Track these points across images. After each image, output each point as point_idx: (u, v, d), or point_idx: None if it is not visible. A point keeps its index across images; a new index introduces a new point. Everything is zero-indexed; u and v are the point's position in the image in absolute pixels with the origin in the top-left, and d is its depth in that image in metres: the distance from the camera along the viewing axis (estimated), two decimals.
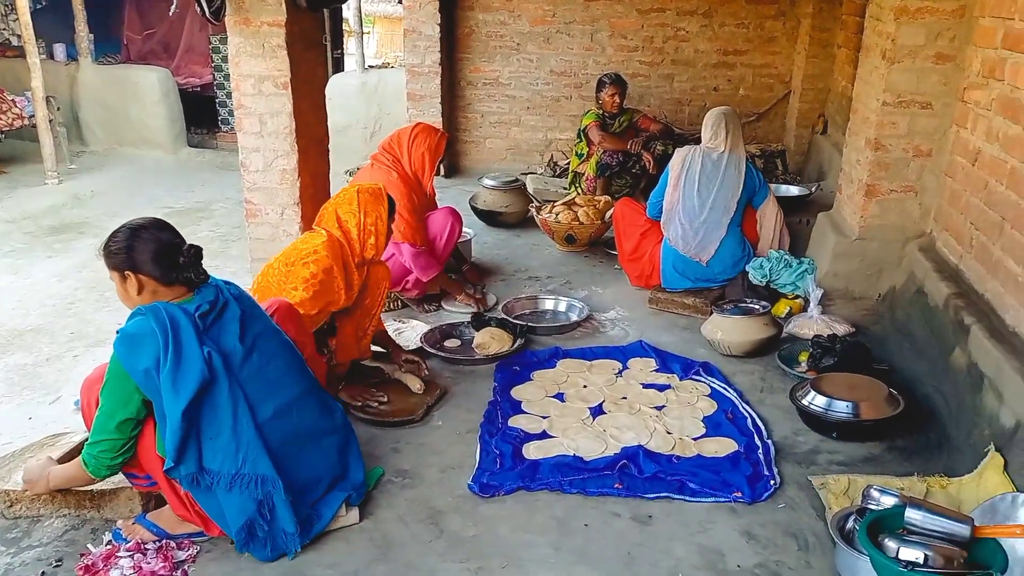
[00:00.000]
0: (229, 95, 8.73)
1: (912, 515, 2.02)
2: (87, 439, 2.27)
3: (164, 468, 2.20)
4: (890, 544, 1.99)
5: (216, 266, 5.04)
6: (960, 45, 3.65)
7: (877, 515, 2.13)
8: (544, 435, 2.98)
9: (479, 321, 3.78)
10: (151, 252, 2.19)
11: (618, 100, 5.75)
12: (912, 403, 3.00)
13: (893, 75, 3.78)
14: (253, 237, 4.21)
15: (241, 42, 3.88)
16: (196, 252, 2.26)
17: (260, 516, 2.26)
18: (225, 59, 8.60)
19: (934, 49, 3.70)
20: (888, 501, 2.22)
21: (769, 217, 4.35)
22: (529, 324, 3.87)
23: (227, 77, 8.73)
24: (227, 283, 2.40)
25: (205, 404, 2.20)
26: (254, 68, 3.90)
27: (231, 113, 8.88)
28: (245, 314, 2.34)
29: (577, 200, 5.17)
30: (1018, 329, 2.82)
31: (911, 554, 1.93)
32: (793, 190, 5.47)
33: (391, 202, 3.24)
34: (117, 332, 2.19)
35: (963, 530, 1.98)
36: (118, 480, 2.42)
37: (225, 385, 2.22)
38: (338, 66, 9.74)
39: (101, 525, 2.47)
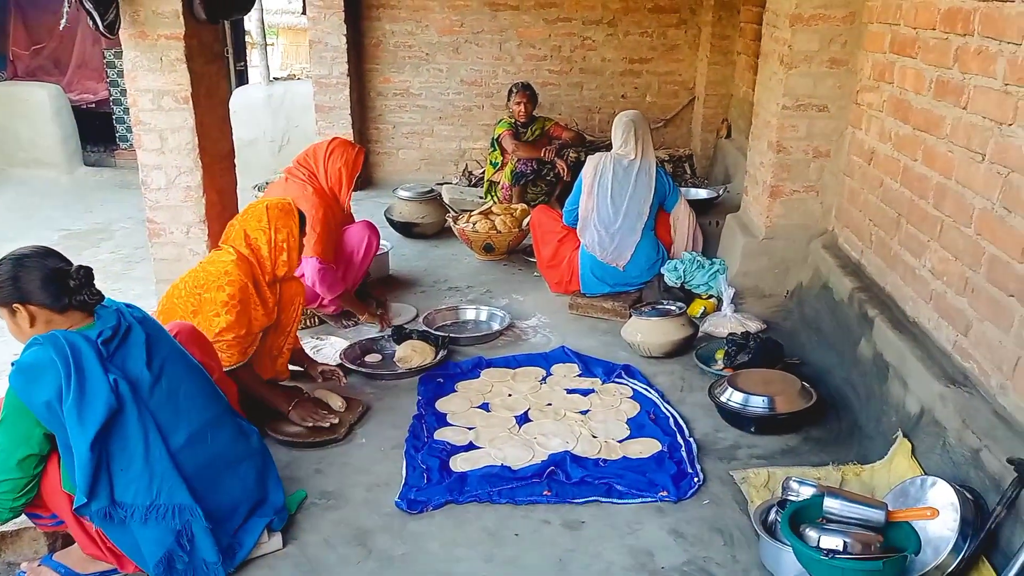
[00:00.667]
0: (127, 111, 8.38)
1: (830, 504, 2.09)
2: None
3: (75, 506, 2.08)
4: (811, 534, 2.05)
5: (119, 289, 4.82)
6: (852, 50, 3.82)
7: (797, 506, 2.19)
8: (471, 446, 2.96)
9: (400, 334, 3.72)
10: (38, 280, 2.07)
11: (527, 108, 5.79)
12: (824, 395, 3.12)
13: (791, 80, 3.93)
14: (157, 258, 4.04)
15: (138, 56, 3.72)
16: (86, 273, 2.15)
17: (179, 547, 2.16)
18: (121, 74, 8.23)
19: (828, 54, 3.87)
20: (807, 492, 2.28)
21: (682, 220, 4.46)
22: (451, 335, 3.84)
23: (124, 93, 8.37)
24: (129, 306, 2.30)
25: (114, 434, 2.09)
26: (152, 83, 3.75)
27: (129, 130, 8.52)
28: (150, 338, 2.24)
29: (494, 209, 5.17)
30: (918, 319, 2.97)
31: (831, 542, 1.99)
32: (702, 193, 5.62)
33: (302, 217, 3.17)
34: (12, 364, 2.05)
35: (878, 516, 2.06)
36: (20, 520, 2.27)
37: (134, 413, 2.12)
38: (242, 79, 9.49)
39: (3, 569, 2.32)
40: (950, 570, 2.05)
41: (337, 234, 4.06)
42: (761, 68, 4.42)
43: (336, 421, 3.05)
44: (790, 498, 2.30)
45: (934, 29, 2.95)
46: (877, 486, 2.57)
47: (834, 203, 4.04)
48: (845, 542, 1.99)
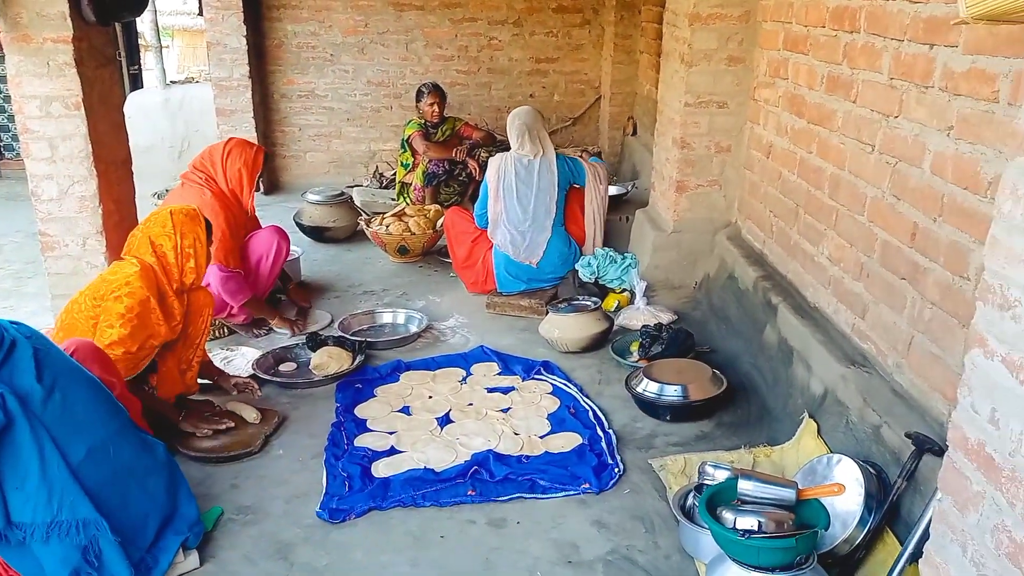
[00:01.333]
0: (11, 118, 7.92)
1: (744, 486, 2.17)
2: None
3: None
4: (727, 516, 2.12)
5: (10, 307, 4.56)
6: (748, 48, 3.97)
7: (713, 490, 2.26)
8: (392, 451, 2.93)
9: (315, 341, 3.65)
10: None
11: (438, 109, 5.77)
12: (734, 381, 3.23)
13: (692, 77, 4.05)
14: (52, 272, 3.83)
15: (21, 60, 3.52)
16: None
17: (87, 563, 2.06)
18: (3, 79, 7.79)
19: (726, 52, 4.00)
20: (721, 475, 2.36)
21: (595, 191, 4.47)
22: (368, 340, 3.79)
23: (7, 99, 7.92)
24: (13, 323, 2.18)
25: (5, 452, 1.99)
26: (39, 89, 3.55)
27: (15, 138, 8.04)
28: (39, 352, 2.13)
29: (407, 211, 5.13)
30: (819, 304, 3.11)
31: (747, 523, 2.06)
32: (612, 190, 5.71)
33: (208, 223, 3.07)
34: None
35: (789, 494, 2.15)
36: None
37: (26, 428, 2.02)
38: (136, 83, 9.10)
39: None
40: (857, 542, 2.16)
41: (241, 239, 3.94)
42: (663, 67, 4.53)
43: (232, 424, 2.99)
44: (706, 482, 2.37)
45: (824, 27, 3.09)
46: (787, 466, 2.68)
47: (736, 196, 4.19)
48: (760, 522, 2.06)
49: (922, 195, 2.38)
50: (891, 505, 2.17)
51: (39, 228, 3.77)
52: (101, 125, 3.75)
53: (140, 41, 9.95)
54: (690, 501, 2.43)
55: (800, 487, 2.21)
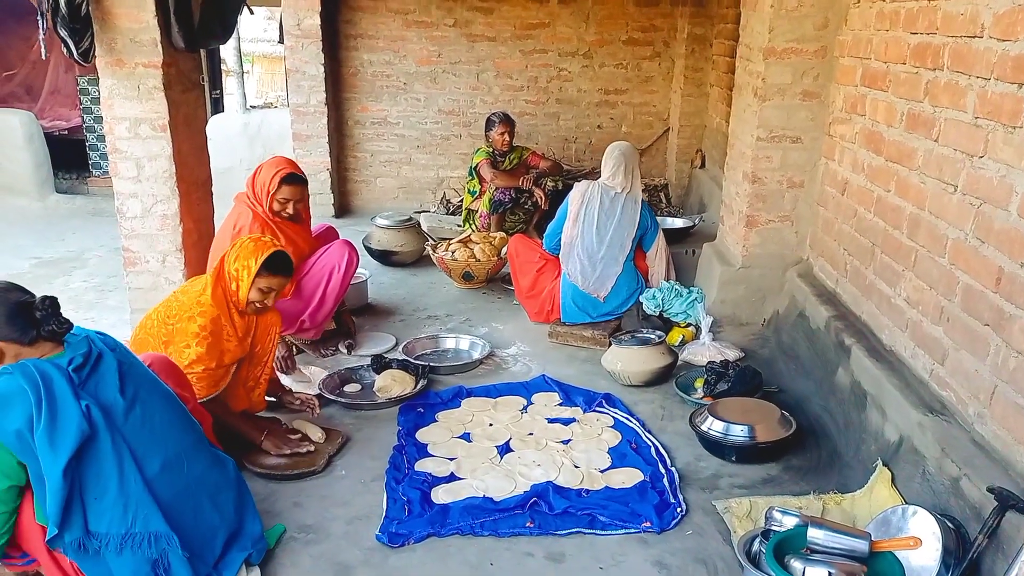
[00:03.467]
0: (100, 138, 8.32)
1: (814, 534, 2.10)
2: None
3: (47, 538, 2.03)
4: (796, 564, 2.05)
5: (91, 318, 4.74)
6: (824, 83, 3.91)
7: (781, 536, 2.19)
8: (452, 477, 2.93)
9: (379, 364, 3.69)
10: (3, 316, 2.05)
11: (508, 138, 5.84)
12: (803, 423, 3.14)
13: (765, 112, 4.00)
14: (133, 287, 3.98)
15: (114, 84, 3.70)
16: (52, 303, 2.12)
17: None
18: (95, 101, 8.19)
19: (800, 87, 3.95)
20: (790, 522, 2.29)
21: (659, 260, 4.44)
22: (431, 364, 3.82)
23: (98, 119, 8.31)
24: (100, 334, 2.26)
25: (87, 462, 2.05)
26: (129, 111, 3.73)
27: (103, 157, 8.44)
28: (123, 364, 2.21)
29: (473, 237, 5.18)
30: (895, 348, 3.01)
31: (816, 573, 2.00)
32: (678, 222, 5.68)
33: (282, 265, 3.01)
34: None
35: (862, 545, 2.07)
36: None
37: (108, 440, 2.08)
38: (217, 106, 9.46)
39: None
40: None
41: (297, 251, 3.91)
42: (735, 100, 4.50)
43: (312, 448, 3.01)
44: (773, 528, 2.30)
45: (904, 63, 3.03)
46: (858, 515, 2.58)
47: (809, 232, 4.10)
48: (830, 572, 1.99)
49: (1008, 238, 2.29)
50: (971, 563, 2.07)
51: (122, 244, 3.94)
52: (185, 147, 3.90)
53: (223, 66, 10.36)
54: (756, 547, 2.35)
55: (873, 538, 2.13)
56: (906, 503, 2.38)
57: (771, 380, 3.58)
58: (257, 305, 2.99)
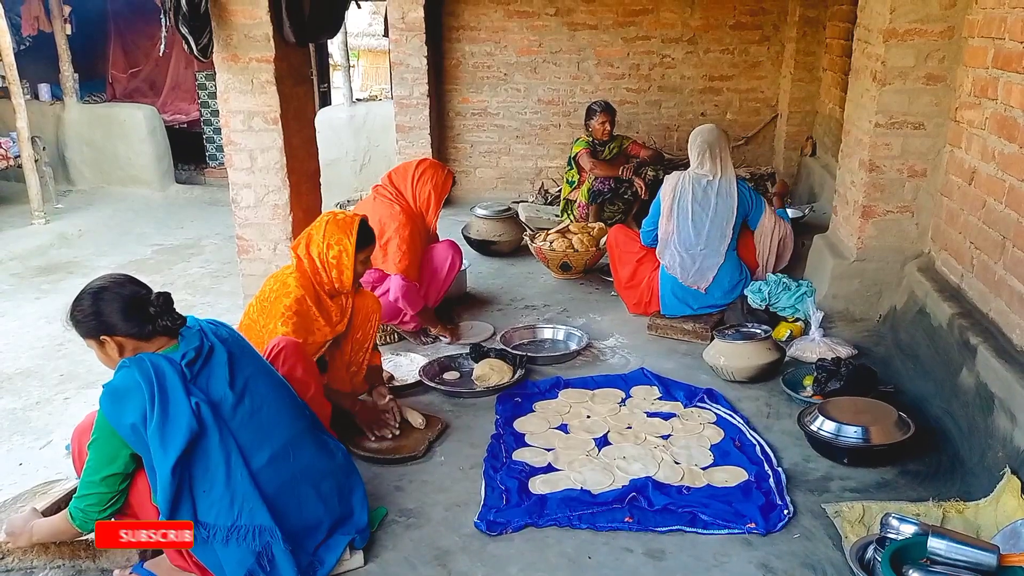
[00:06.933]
0: (217, 131, 8.73)
1: (935, 545, 1.97)
2: (74, 490, 2.19)
3: None
4: (914, 575, 1.93)
5: (207, 303, 4.98)
6: (950, 65, 3.67)
7: (898, 545, 2.08)
8: (550, 468, 2.92)
9: (478, 352, 3.72)
10: (119, 311, 2.13)
11: (609, 127, 5.76)
12: (922, 426, 2.96)
13: (884, 97, 3.79)
14: (245, 273, 4.15)
15: (230, 78, 3.85)
16: (165, 299, 2.20)
17: (259, 567, 2.17)
18: (212, 95, 8.61)
19: (924, 70, 3.72)
20: (908, 530, 2.16)
21: (766, 235, 4.27)
22: (528, 354, 3.81)
23: (214, 113, 8.74)
24: (212, 323, 2.34)
25: (196, 457, 2.13)
26: (243, 104, 3.87)
27: (219, 149, 8.87)
28: (233, 356, 2.27)
29: (571, 227, 5.15)
30: None
31: None
32: (787, 212, 5.46)
33: (367, 234, 3.08)
34: (103, 387, 2.12)
35: (989, 559, 1.93)
36: None
37: (216, 436, 2.15)
38: (324, 100, 9.77)
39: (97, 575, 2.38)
40: None
41: (421, 253, 4.10)
42: (852, 85, 4.28)
43: (398, 432, 3.08)
44: (890, 536, 2.18)
45: None
46: (982, 525, 2.41)
47: (931, 224, 3.86)
48: None
49: None
50: None
51: (236, 232, 4.11)
52: (295, 139, 4.03)
53: (330, 61, 10.67)
54: (870, 554, 2.23)
55: (1002, 552, 1.98)
56: None
57: (887, 379, 3.40)
58: (359, 279, 3.10)
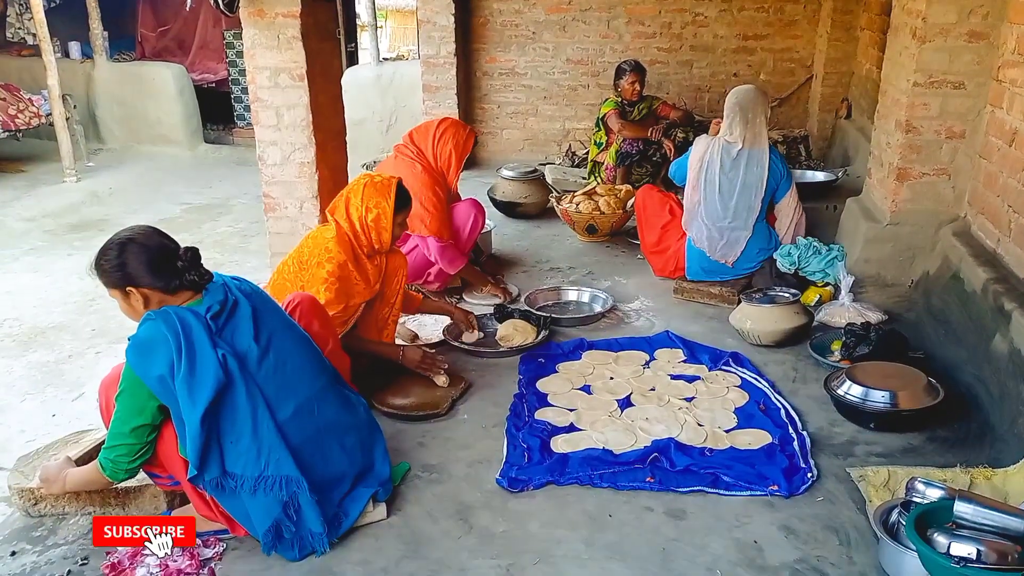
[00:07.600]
0: (244, 90, 8.73)
1: (962, 509, 1.94)
2: (104, 441, 2.23)
3: (188, 476, 2.17)
4: (940, 539, 1.91)
5: (236, 261, 5.03)
6: (994, 22, 3.54)
7: (923, 509, 2.05)
8: (572, 428, 2.92)
9: (502, 313, 3.72)
10: (146, 263, 2.13)
11: (638, 88, 5.66)
12: (952, 392, 2.91)
13: (924, 55, 3.67)
14: (272, 232, 4.17)
15: (256, 34, 3.83)
16: (193, 254, 2.20)
17: (286, 517, 2.21)
18: (240, 54, 8.59)
19: (966, 27, 3.59)
20: (933, 494, 2.13)
21: (785, 213, 4.12)
22: (552, 316, 3.80)
23: (242, 72, 8.72)
24: (235, 279, 2.35)
25: (224, 408, 2.15)
26: (270, 60, 3.86)
27: (247, 108, 8.87)
28: (257, 311, 2.28)
29: (598, 190, 5.09)
30: None
31: (963, 549, 1.85)
32: (819, 176, 5.38)
33: (404, 196, 3.12)
34: (128, 339, 2.14)
35: (1018, 524, 1.89)
36: (142, 477, 2.38)
37: (242, 388, 2.17)
38: (352, 60, 9.70)
39: None
40: None
41: (448, 212, 4.08)
42: (890, 43, 4.15)
43: (445, 366, 3.18)
44: (915, 500, 2.15)
45: None
46: (1011, 492, 2.38)
47: (968, 187, 3.76)
48: (979, 550, 1.84)
49: None
50: None
51: (263, 190, 4.12)
52: (321, 97, 4.01)
53: (357, 21, 10.58)
54: (894, 518, 2.20)
55: None
56: None
57: (917, 345, 3.34)
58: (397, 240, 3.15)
